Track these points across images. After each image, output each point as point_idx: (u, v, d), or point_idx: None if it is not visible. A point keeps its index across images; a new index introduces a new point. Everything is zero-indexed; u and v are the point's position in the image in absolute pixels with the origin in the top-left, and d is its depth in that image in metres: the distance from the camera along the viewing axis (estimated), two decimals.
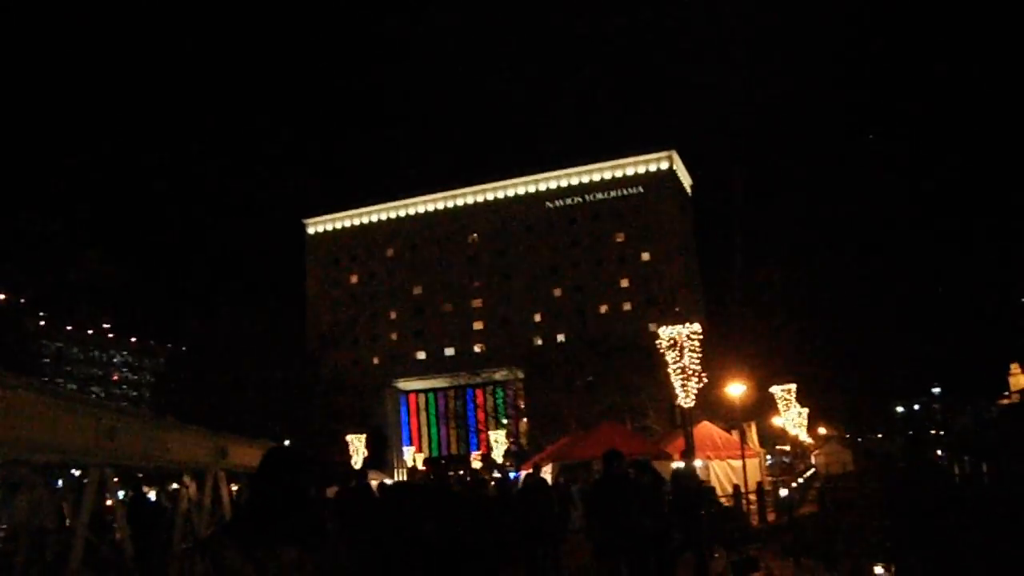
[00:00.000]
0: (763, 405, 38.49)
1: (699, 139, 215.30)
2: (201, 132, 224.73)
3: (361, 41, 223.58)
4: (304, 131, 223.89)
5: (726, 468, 32.06)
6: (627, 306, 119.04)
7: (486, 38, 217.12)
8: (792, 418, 36.04)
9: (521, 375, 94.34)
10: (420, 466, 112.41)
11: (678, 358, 23.35)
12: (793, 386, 36.74)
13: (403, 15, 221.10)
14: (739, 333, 43.04)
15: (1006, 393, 62.12)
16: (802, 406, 40.17)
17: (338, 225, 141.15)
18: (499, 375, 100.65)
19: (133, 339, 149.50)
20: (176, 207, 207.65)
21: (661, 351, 24.10)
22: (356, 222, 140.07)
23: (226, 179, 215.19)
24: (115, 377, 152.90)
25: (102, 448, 9.08)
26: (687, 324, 23.52)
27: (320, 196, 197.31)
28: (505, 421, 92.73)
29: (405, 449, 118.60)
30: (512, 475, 67.21)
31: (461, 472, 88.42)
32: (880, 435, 74.61)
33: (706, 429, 33.38)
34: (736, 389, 28.47)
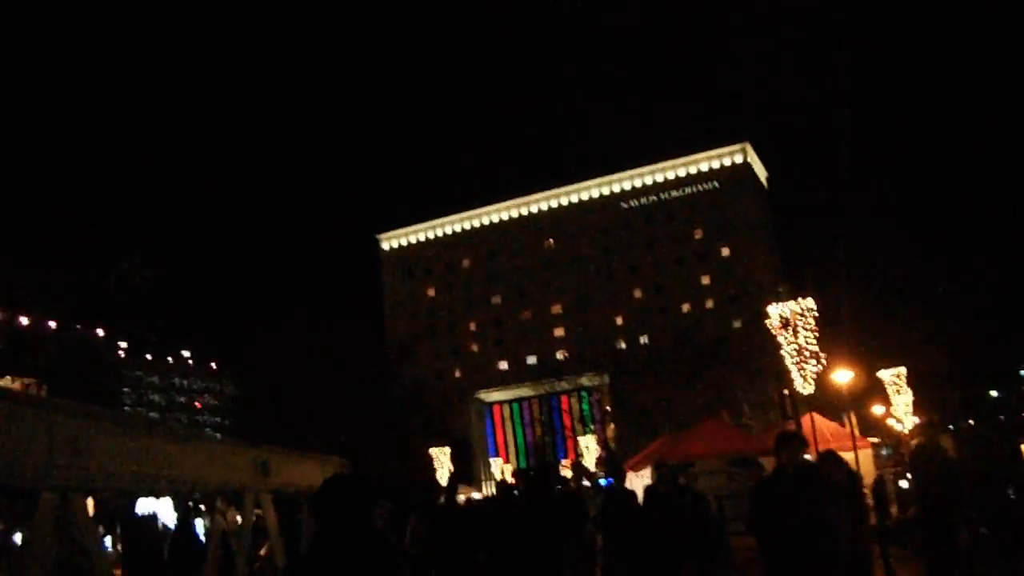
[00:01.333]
0: (863, 393, 36.46)
1: (774, 130, 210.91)
2: (271, 149, 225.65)
3: (430, 52, 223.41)
4: (373, 145, 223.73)
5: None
6: (710, 303, 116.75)
7: (552, 41, 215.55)
8: (903, 404, 33.82)
9: (607, 379, 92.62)
10: (509, 478, 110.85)
11: (792, 338, 21.21)
12: (903, 369, 34.48)
13: (468, 23, 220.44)
14: (841, 317, 40.82)
15: None
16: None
17: (412, 239, 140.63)
18: (584, 380, 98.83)
19: (213, 364, 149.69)
20: (249, 225, 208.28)
21: (773, 332, 21.96)
22: (430, 235, 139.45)
23: (297, 197, 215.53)
24: (198, 404, 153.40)
25: (56, 466, 6.76)
26: (800, 300, 21.39)
27: (392, 210, 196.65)
28: (591, 427, 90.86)
29: (492, 461, 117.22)
30: (604, 482, 65.85)
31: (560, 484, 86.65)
32: (972, 420, 71.53)
33: (814, 420, 31.42)
34: (843, 376, 26.44)
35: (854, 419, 33.51)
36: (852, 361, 27.55)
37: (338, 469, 10.23)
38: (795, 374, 21.56)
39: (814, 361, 21.26)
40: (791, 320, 21.05)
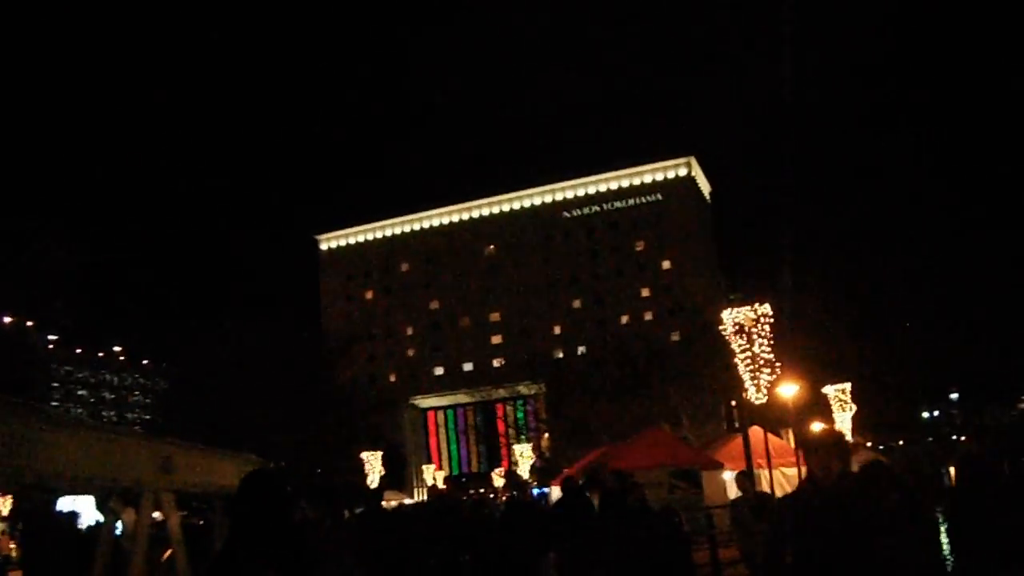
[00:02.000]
0: (805, 409, 35.80)
1: (717, 144, 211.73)
2: (210, 147, 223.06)
3: (373, 54, 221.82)
4: (314, 146, 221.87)
5: (779, 477, 29.37)
6: (648, 316, 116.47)
7: (498, 48, 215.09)
8: (847, 421, 33.14)
9: (543, 388, 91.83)
10: (440, 484, 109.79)
11: (746, 345, 20.29)
12: (848, 385, 33.83)
13: (414, 27, 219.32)
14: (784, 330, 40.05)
15: None
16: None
17: (351, 240, 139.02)
18: (520, 388, 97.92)
19: (145, 360, 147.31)
20: (186, 223, 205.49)
21: (726, 336, 20.97)
22: (370, 236, 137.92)
23: (235, 195, 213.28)
24: (128, 399, 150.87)
25: None
26: (756, 305, 20.47)
27: (332, 211, 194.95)
28: (524, 437, 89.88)
29: (424, 468, 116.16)
30: (536, 491, 64.94)
31: (482, 491, 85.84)
32: (901, 441, 71.56)
33: (756, 434, 30.64)
34: (788, 389, 25.65)
35: (791, 435, 32.89)
36: (797, 374, 26.64)
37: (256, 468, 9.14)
38: (748, 383, 20.64)
39: (768, 370, 20.36)
40: (746, 326, 20.16)
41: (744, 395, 21.49)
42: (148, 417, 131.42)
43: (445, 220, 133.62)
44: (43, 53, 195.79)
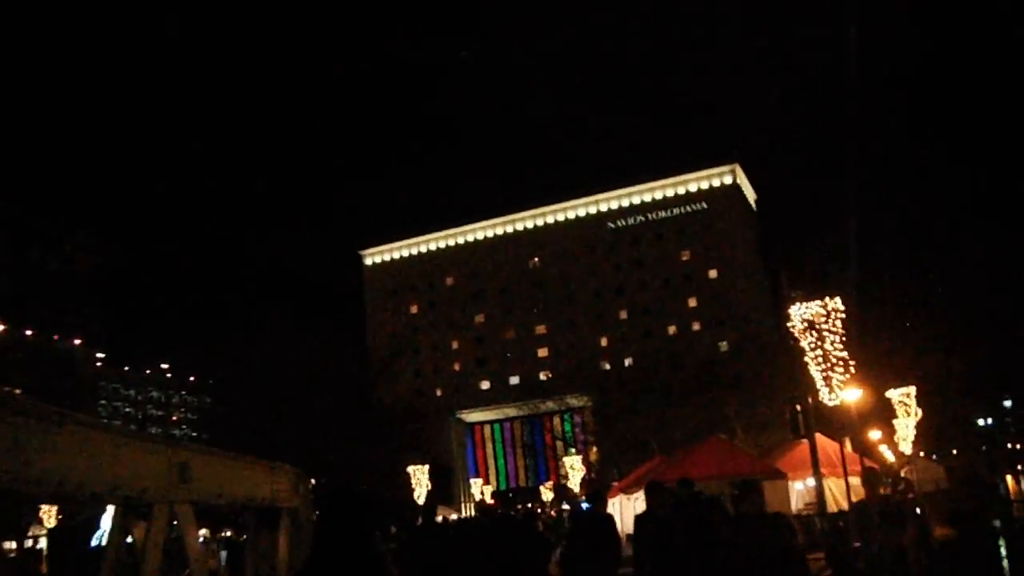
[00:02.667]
0: (869, 415, 34.43)
1: (761, 151, 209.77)
2: (254, 165, 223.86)
3: (414, 69, 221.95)
4: (357, 162, 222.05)
5: (842, 487, 28.32)
6: (696, 326, 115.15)
7: (540, 59, 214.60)
8: (909, 427, 31.79)
9: (590, 401, 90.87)
10: (488, 499, 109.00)
11: (816, 344, 19.05)
12: (912, 389, 32.32)
13: (454, 40, 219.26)
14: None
15: None
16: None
17: (396, 255, 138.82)
18: (567, 401, 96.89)
19: (192, 377, 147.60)
20: (231, 240, 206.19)
21: (795, 335, 19.68)
22: (414, 251, 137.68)
23: (279, 212, 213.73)
24: (175, 417, 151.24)
25: None
26: (827, 299, 19.22)
27: (376, 226, 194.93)
28: (572, 450, 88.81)
29: (472, 482, 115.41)
30: (585, 506, 64.01)
31: (530, 505, 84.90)
32: (955, 451, 69.89)
33: (817, 442, 29.63)
34: (851, 394, 24.51)
35: (848, 443, 31.74)
36: (859, 378, 25.41)
37: (293, 480, 8.25)
38: (820, 383, 19.42)
39: (841, 369, 19.07)
40: (816, 322, 18.92)
41: (814, 398, 20.37)
42: (195, 434, 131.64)
43: (489, 233, 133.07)
44: (82, 54, 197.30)
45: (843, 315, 19.03)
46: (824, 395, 19.58)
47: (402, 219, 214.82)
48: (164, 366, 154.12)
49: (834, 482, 28.48)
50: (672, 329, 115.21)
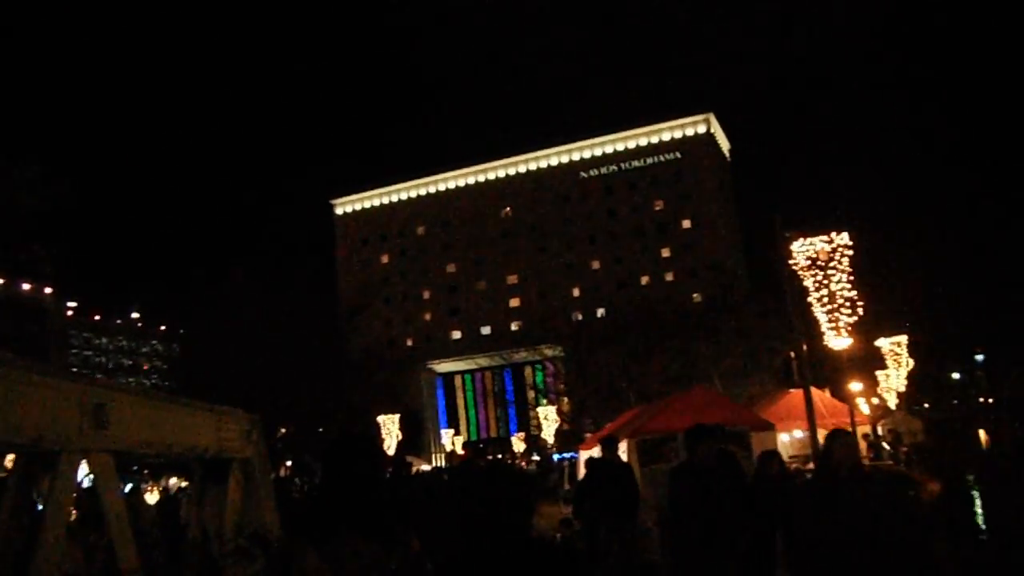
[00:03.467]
0: (860, 364, 33.43)
1: (735, 100, 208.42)
2: (224, 113, 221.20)
3: (384, 17, 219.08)
4: (328, 109, 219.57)
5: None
6: (669, 276, 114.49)
7: (513, 7, 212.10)
8: (900, 378, 30.85)
9: (562, 352, 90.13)
10: (459, 450, 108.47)
11: (821, 283, 17.83)
12: (904, 338, 31.23)
13: None
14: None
15: None
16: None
17: (367, 204, 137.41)
18: (541, 352, 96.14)
19: (163, 327, 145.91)
20: (201, 187, 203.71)
21: (799, 272, 18.37)
22: (385, 200, 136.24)
23: (250, 160, 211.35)
24: (145, 366, 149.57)
25: None
26: (833, 234, 17.96)
27: (347, 175, 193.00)
28: (544, 400, 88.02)
29: (443, 432, 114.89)
30: (556, 457, 63.35)
31: (500, 456, 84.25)
32: (927, 404, 69.29)
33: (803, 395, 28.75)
34: (841, 343, 23.46)
35: (827, 393, 30.84)
36: (866, 320, 23.99)
37: (245, 427, 7.10)
38: (826, 326, 18.21)
39: (849, 310, 17.84)
40: (821, 258, 17.70)
41: (809, 343, 19.22)
42: (165, 383, 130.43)
43: (461, 183, 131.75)
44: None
45: (850, 252, 17.83)
46: (829, 338, 18.38)
47: (373, 168, 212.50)
48: (135, 315, 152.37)
49: (821, 434, 27.75)
50: (645, 279, 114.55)
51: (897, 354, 31.15)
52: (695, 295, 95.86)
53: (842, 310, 17.69)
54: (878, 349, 31.69)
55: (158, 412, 5.91)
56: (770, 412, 26.90)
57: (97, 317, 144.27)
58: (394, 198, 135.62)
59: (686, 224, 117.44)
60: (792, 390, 28.43)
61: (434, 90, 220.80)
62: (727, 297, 64.13)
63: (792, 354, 22.01)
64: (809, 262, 17.79)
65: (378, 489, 4.29)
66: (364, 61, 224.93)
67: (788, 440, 27.53)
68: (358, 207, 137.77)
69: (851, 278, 17.71)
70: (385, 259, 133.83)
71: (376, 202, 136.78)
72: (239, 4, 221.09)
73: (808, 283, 17.95)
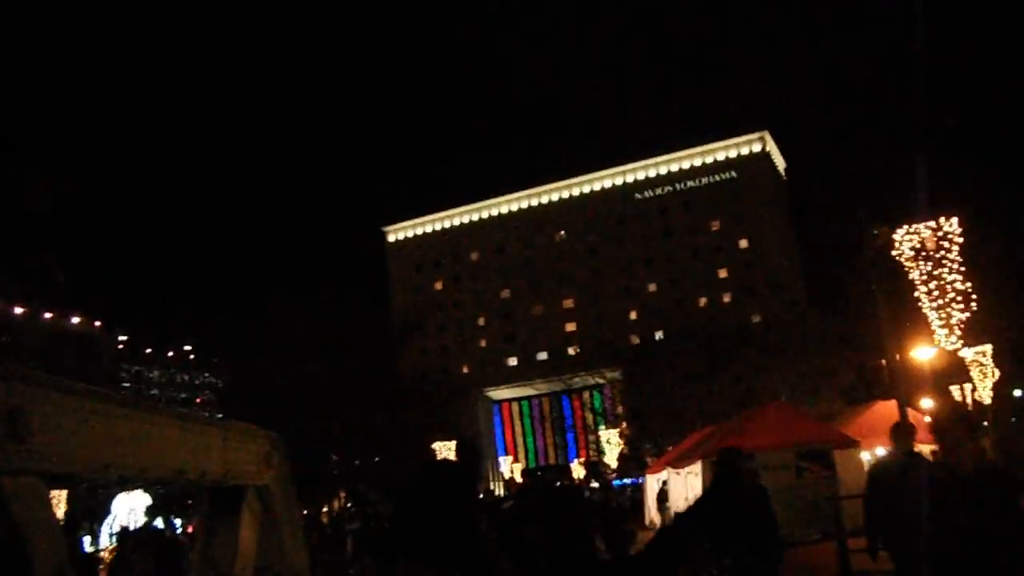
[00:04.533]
0: (945, 376, 31.35)
1: (792, 118, 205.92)
2: (276, 140, 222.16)
3: (436, 42, 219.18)
4: (378, 136, 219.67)
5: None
6: (727, 298, 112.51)
7: (563, 28, 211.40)
8: (986, 389, 28.83)
9: (620, 375, 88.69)
10: (518, 477, 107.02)
11: (927, 274, 15.82)
12: (989, 347, 29.08)
13: (478, 10, 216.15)
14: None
15: None
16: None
17: (419, 231, 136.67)
18: (602, 376, 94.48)
19: (216, 359, 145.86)
20: (251, 218, 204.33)
21: (903, 262, 16.42)
22: (438, 227, 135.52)
23: (303, 187, 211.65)
24: (199, 399, 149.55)
25: None
26: (943, 219, 15.96)
27: (399, 201, 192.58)
28: (603, 425, 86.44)
29: (500, 459, 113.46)
30: (616, 483, 61.87)
31: (559, 483, 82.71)
32: (985, 422, 66.35)
33: (883, 407, 26.96)
34: (925, 353, 21.85)
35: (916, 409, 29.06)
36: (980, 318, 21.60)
37: (264, 448, 5.70)
38: (935, 323, 16.30)
39: (961, 304, 15.84)
40: (929, 247, 15.75)
41: (901, 351, 17.32)
42: (219, 415, 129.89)
43: (514, 207, 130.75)
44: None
45: (960, 239, 15.89)
46: (941, 339, 16.46)
47: (426, 194, 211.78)
48: (187, 347, 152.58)
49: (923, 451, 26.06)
50: (703, 301, 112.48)
51: (982, 364, 29.02)
52: (754, 316, 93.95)
53: (953, 305, 15.80)
54: (961, 360, 29.68)
55: (125, 423, 4.45)
56: (852, 428, 25.31)
57: (148, 350, 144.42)
58: (447, 224, 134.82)
59: (743, 244, 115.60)
60: (878, 402, 26.80)
61: (484, 114, 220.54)
62: (788, 315, 62.71)
63: (883, 361, 20.34)
64: (914, 252, 15.97)
65: (470, 522, 3.85)
66: (419, 87, 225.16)
67: (868, 458, 25.96)
68: (410, 234, 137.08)
69: (962, 268, 15.80)
70: (439, 286, 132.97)
71: (428, 228, 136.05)
72: (297, 30, 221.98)
73: (914, 276, 16.11)
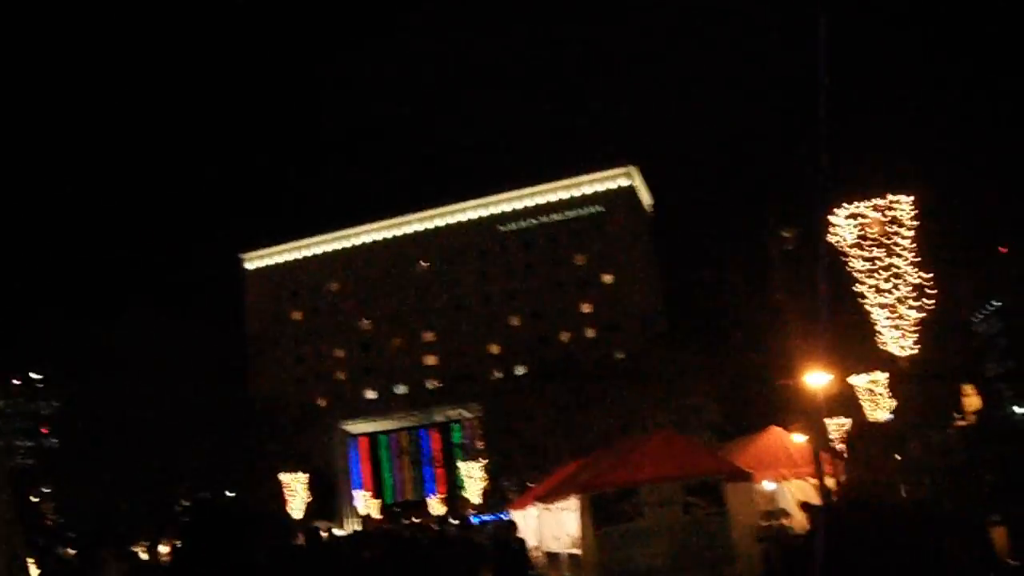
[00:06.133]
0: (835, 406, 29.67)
1: (657, 155, 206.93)
2: (128, 168, 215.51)
3: (304, 69, 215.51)
4: (239, 163, 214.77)
5: (806, 489, 23.80)
6: (590, 332, 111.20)
7: (430, 60, 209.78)
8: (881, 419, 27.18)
9: (480, 411, 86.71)
10: (375, 514, 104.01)
11: (876, 260, 13.07)
12: (883, 375, 27.32)
13: (345, 41, 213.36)
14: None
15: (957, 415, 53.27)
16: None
17: (278, 259, 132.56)
18: (462, 411, 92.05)
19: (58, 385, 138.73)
20: (105, 244, 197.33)
21: (846, 250, 13.68)
22: (298, 255, 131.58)
23: (158, 214, 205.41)
24: (44, 430, 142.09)
25: None
26: (889, 197, 13.33)
27: (258, 229, 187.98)
28: (464, 459, 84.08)
29: (355, 494, 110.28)
30: (475, 519, 59.41)
31: (418, 520, 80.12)
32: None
33: (775, 437, 25.05)
34: (818, 379, 19.98)
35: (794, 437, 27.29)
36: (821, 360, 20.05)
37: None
38: (883, 324, 13.74)
39: (914, 298, 13.21)
40: (877, 230, 13.14)
41: (878, 343, 14.56)
42: (30, 443, 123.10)
43: (376, 236, 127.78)
44: None
45: (916, 222, 13.40)
46: (891, 343, 14.06)
47: (286, 223, 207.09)
48: (34, 376, 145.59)
49: (794, 485, 24.09)
50: (566, 336, 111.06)
51: (874, 394, 27.30)
52: (617, 353, 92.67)
53: (907, 301, 13.40)
54: (850, 388, 27.95)
55: None
56: (742, 459, 23.29)
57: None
58: (307, 252, 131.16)
59: (607, 279, 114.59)
60: (770, 429, 24.84)
61: (349, 143, 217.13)
62: (654, 349, 61.60)
63: (789, 381, 18.32)
64: (857, 239, 13.53)
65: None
66: (276, 115, 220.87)
67: (770, 488, 24.04)
68: (270, 262, 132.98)
69: (916, 257, 13.36)
70: (297, 315, 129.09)
71: (288, 256, 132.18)
72: (151, 51, 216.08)
73: (857, 264, 13.64)
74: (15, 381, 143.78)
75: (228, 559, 4.16)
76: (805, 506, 21.89)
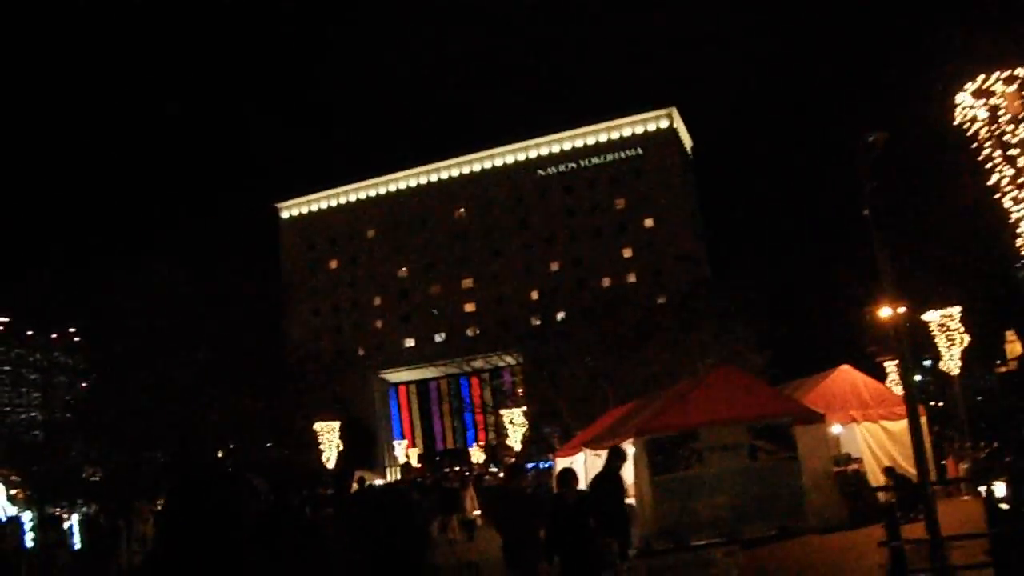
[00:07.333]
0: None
1: (699, 95, 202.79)
2: (163, 119, 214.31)
3: (332, 13, 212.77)
4: (274, 110, 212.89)
5: (879, 434, 21.79)
6: (631, 277, 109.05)
7: (470, 2, 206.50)
8: (954, 358, 25.12)
9: (521, 358, 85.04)
10: (415, 463, 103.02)
11: (997, 140, 10.67)
12: (957, 310, 25.21)
13: None
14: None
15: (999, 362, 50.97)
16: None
17: (314, 207, 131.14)
18: (503, 359, 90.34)
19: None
20: (140, 196, 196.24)
21: (967, 130, 11.32)
22: (333, 203, 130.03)
23: (193, 164, 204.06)
24: (84, 384, 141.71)
25: None
26: (1014, 71, 10.84)
27: (293, 178, 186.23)
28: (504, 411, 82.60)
29: (396, 443, 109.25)
30: (530, 465, 58.05)
31: (458, 468, 78.87)
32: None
33: (847, 376, 23.07)
34: (889, 312, 17.95)
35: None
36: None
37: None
38: (1014, 210, 11.25)
39: None
40: (1009, 106, 10.79)
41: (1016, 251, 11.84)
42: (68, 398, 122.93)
43: (412, 183, 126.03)
44: None
45: None
46: None
47: (320, 170, 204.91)
48: (72, 330, 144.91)
49: (867, 428, 22.07)
50: (607, 281, 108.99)
51: (949, 330, 25.21)
52: (659, 298, 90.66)
53: None
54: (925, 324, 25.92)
55: None
56: (811, 400, 21.29)
57: (30, 332, 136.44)
58: (342, 200, 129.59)
59: (648, 223, 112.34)
60: (840, 368, 22.89)
61: (383, 87, 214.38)
62: (698, 291, 60.11)
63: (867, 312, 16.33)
64: (985, 116, 11.17)
65: (232, 535, 3.40)
66: (316, 59, 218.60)
67: (840, 432, 22.04)
68: (304, 210, 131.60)
69: None
70: (333, 264, 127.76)
71: (324, 204, 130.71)
72: (181, 10, 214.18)
73: (987, 147, 11.25)
74: (52, 336, 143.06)
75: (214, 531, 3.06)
76: (889, 472, 20.07)
